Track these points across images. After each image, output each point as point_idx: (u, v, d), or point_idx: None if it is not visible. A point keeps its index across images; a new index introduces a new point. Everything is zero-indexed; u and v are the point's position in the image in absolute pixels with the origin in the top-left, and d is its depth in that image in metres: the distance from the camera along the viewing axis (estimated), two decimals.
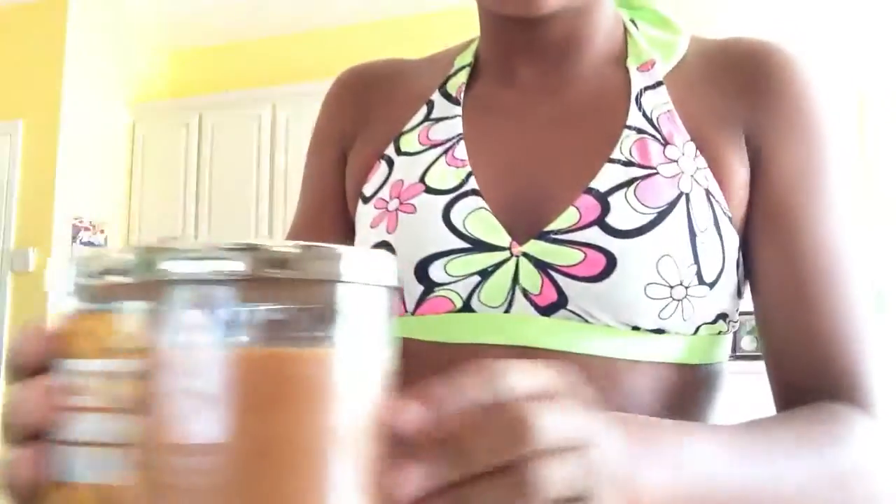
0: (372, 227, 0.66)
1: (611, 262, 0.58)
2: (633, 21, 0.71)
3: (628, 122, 0.63)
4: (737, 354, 2.57)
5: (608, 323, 0.59)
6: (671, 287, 0.58)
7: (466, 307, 0.61)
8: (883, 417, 0.58)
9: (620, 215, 0.59)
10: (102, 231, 4.44)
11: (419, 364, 0.59)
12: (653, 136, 0.62)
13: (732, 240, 0.61)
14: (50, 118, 4.22)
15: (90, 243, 4.35)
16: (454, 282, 0.61)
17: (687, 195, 0.60)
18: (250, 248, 0.26)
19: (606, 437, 0.35)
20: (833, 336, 0.59)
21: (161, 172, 4.59)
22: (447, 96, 0.71)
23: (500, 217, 0.62)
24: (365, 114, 0.74)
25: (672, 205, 0.59)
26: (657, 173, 0.60)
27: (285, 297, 0.28)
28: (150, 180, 4.61)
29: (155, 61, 4.91)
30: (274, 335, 0.27)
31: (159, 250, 0.26)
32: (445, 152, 0.66)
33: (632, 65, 0.67)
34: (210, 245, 0.26)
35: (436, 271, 0.61)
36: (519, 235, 0.61)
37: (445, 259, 0.61)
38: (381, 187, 0.67)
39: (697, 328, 0.61)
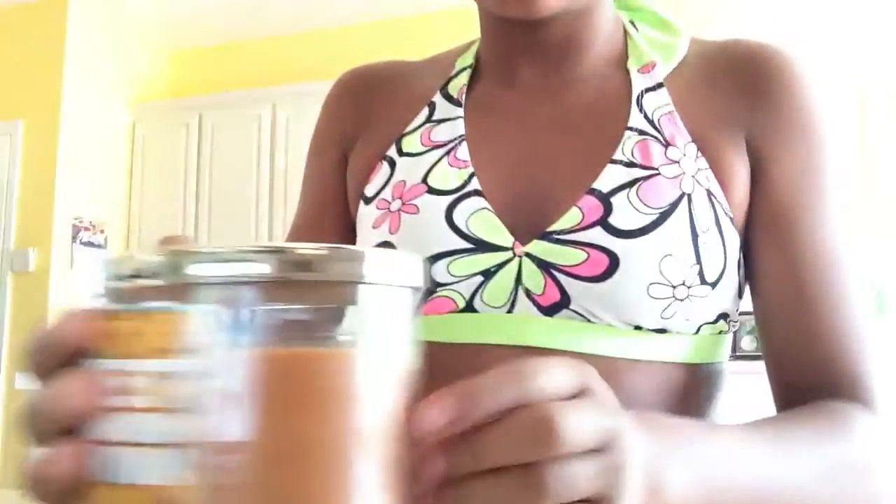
0: (374, 227, 0.66)
1: (613, 262, 0.58)
2: (632, 23, 0.71)
3: (630, 124, 0.63)
4: (737, 354, 2.57)
5: (611, 323, 0.59)
6: (673, 287, 0.58)
7: (469, 307, 0.61)
8: (883, 415, 0.58)
9: (623, 216, 0.59)
10: (102, 231, 4.44)
11: (422, 364, 0.59)
12: (654, 137, 0.62)
13: (734, 240, 0.62)
14: (50, 118, 4.22)
15: (90, 243, 4.35)
16: (457, 282, 0.61)
17: (689, 195, 0.60)
18: (277, 251, 0.27)
19: (630, 437, 0.35)
20: (833, 336, 0.59)
21: (161, 172, 4.59)
22: (448, 98, 0.71)
23: (502, 217, 0.62)
24: (366, 115, 0.74)
25: (674, 205, 0.59)
26: (659, 174, 0.61)
27: (311, 298, 0.28)
28: (150, 180, 4.61)
29: (155, 61, 4.91)
30: (300, 336, 0.28)
31: (187, 253, 0.27)
32: (447, 153, 0.66)
33: (632, 66, 0.67)
34: (237, 248, 0.27)
35: (439, 271, 0.62)
36: (521, 236, 0.61)
37: (448, 259, 0.62)
38: (383, 188, 0.68)
39: (699, 328, 0.61)
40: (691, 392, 0.63)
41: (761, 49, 0.65)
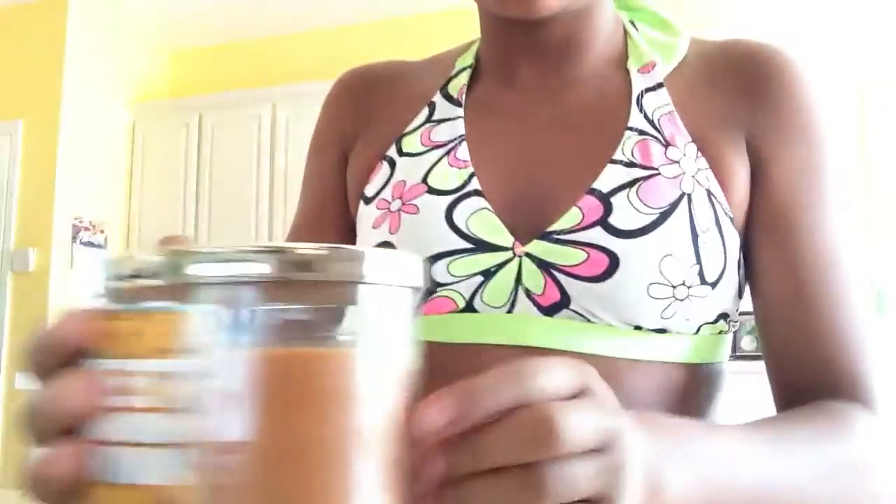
0: (374, 227, 0.66)
1: (613, 262, 0.58)
2: (632, 23, 0.71)
3: (630, 124, 0.63)
4: (737, 354, 2.57)
5: (611, 323, 0.59)
6: (673, 287, 0.58)
7: (469, 307, 0.61)
8: (883, 415, 0.58)
9: (623, 215, 0.59)
10: (102, 231, 4.44)
11: (422, 364, 0.59)
12: (654, 137, 0.63)
13: (734, 240, 0.62)
14: (50, 118, 4.22)
15: (90, 243, 4.35)
16: (457, 282, 0.61)
17: (689, 195, 0.60)
18: (277, 251, 0.27)
19: (630, 437, 0.35)
20: (833, 335, 0.59)
21: (161, 172, 4.59)
22: (449, 98, 0.71)
23: (502, 217, 0.62)
24: (366, 115, 0.74)
25: (674, 205, 0.60)
26: (659, 174, 0.61)
27: (311, 298, 0.28)
28: (150, 180, 4.61)
29: (155, 61, 4.91)
30: (300, 336, 0.28)
31: (187, 253, 0.27)
32: (447, 153, 0.66)
33: (632, 66, 0.67)
34: (237, 248, 0.27)
35: (439, 271, 0.62)
36: (521, 236, 0.61)
37: (448, 259, 0.62)
38: (383, 188, 0.68)
39: (699, 328, 0.61)
40: (691, 392, 0.63)
41: (761, 49, 0.65)
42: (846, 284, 0.61)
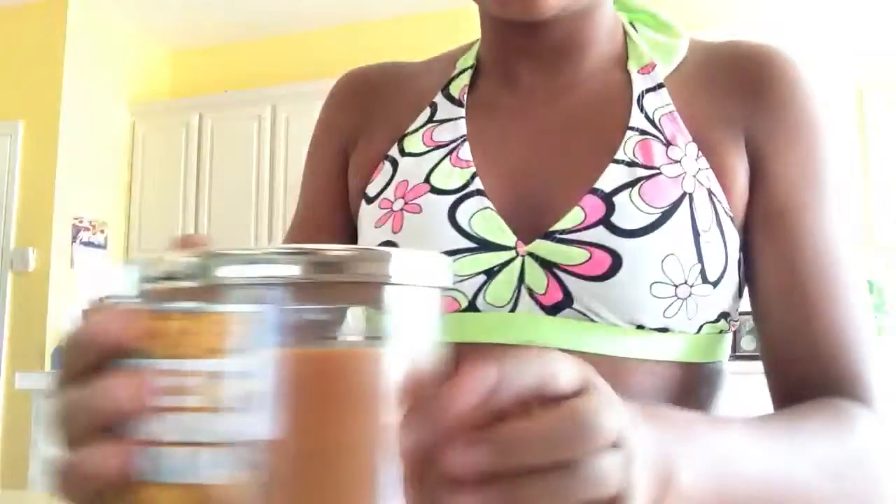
0: (377, 226, 0.66)
1: (616, 262, 0.58)
2: (632, 24, 0.71)
3: (631, 124, 0.64)
4: (737, 354, 2.57)
5: (613, 322, 0.59)
6: (676, 286, 0.59)
7: (472, 307, 0.62)
8: (881, 413, 0.58)
9: (625, 215, 0.59)
10: (102, 231, 4.44)
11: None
12: (655, 136, 0.63)
13: (734, 239, 0.62)
14: (50, 118, 4.22)
15: (90, 243, 4.35)
16: (460, 281, 0.61)
17: (690, 195, 0.60)
18: (307, 252, 0.27)
19: (638, 431, 0.35)
20: (831, 334, 0.60)
21: (161, 172, 4.59)
22: (450, 98, 0.71)
23: (505, 217, 0.62)
24: (367, 115, 0.74)
25: (676, 205, 0.60)
26: (660, 173, 0.61)
27: (341, 298, 0.29)
28: (150, 180, 4.61)
29: (155, 61, 4.91)
30: (331, 336, 0.29)
31: (221, 256, 0.27)
32: (450, 153, 0.67)
33: (632, 67, 0.67)
34: (268, 250, 0.27)
35: None
36: (524, 235, 0.61)
37: (451, 259, 0.62)
38: (385, 187, 0.68)
39: (700, 327, 0.61)
40: (692, 391, 0.63)
41: (760, 50, 0.66)
42: (845, 283, 0.61)
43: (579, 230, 0.60)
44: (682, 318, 0.60)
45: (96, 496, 0.29)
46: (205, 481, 0.26)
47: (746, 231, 0.63)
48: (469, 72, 0.72)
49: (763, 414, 0.53)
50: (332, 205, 0.74)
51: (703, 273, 0.60)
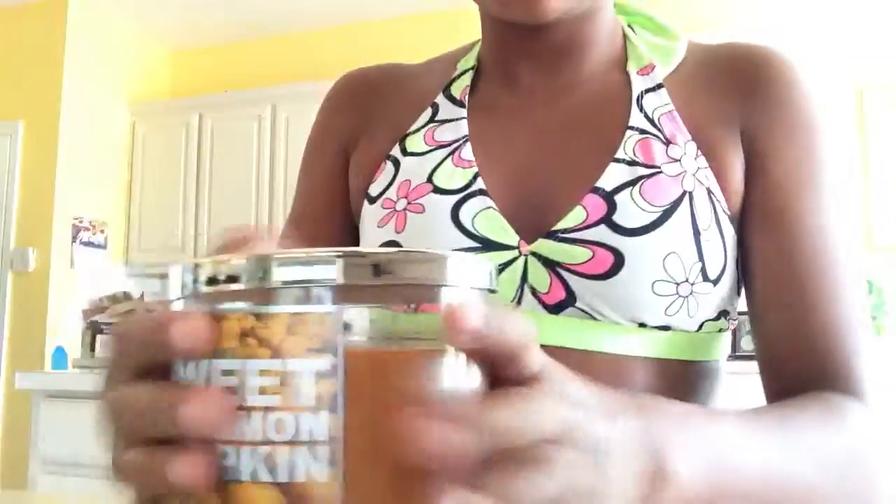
0: (379, 226, 0.66)
1: (619, 260, 0.59)
2: (630, 27, 0.72)
3: (630, 123, 0.64)
4: (736, 354, 2.57)
5: (615, 320, 0.60)
6: (677, 284, 0.59)
7: None
8: (874, 407, 0.59)
9: (627, 214, 0.60)
10: (102, 231, 4.45)
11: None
12: (655, 136, 0.63)
13: (732, 237, 0.63)
14: (50, 118, 4.22)
15: (90, 243, 4.35)
16: None
17: (690, 193, 0.61)
18: (357, 255, 0.28)
19: (598, 425, 0.33)
20: (826, 328, 0.60)
21: (161, 172, 4.59)
22: (451, 99, 0.71)
23: (507, 217, 0.63)
24: (367, 115, 0.75)
25: (676, 203, 0.60)
26: (661, 172, 0.61)
27: (398, 299, 0.30)
28: (150, 180, 4.62)
29: (155, 61, 4.92)
30: (387, 337, 0.29)
31: (276, 258, 0.28)
32: (452, 153, 0.67)
33: (632, 69, 0.68)
34: (321, 252, 0.28)
35: None
36: (527, 235, 0.62)
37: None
38: (387, 187, 0.68)
39: (701, 325, 0.62)
40: (692, 389, 0.64)
41: (757, 50, 0.67)
42: (842, 281, 0.61)
43: (581, 229, 0.60)
44: (683, 316, 0.60)
45: (171, 498, 0.28)
46: (290, 480, 0.27)
47: (743, 229, 0.64)
48: (470, 73, 0.73)
49: (758, 407, 0.53)
50: (331, 202, 0.75)
51: (703, 271, 0.60)
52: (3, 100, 4.34)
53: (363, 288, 0.28)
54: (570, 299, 0.60)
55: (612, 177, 0.62)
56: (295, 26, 4.65)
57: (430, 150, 0.68)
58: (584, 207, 0.61)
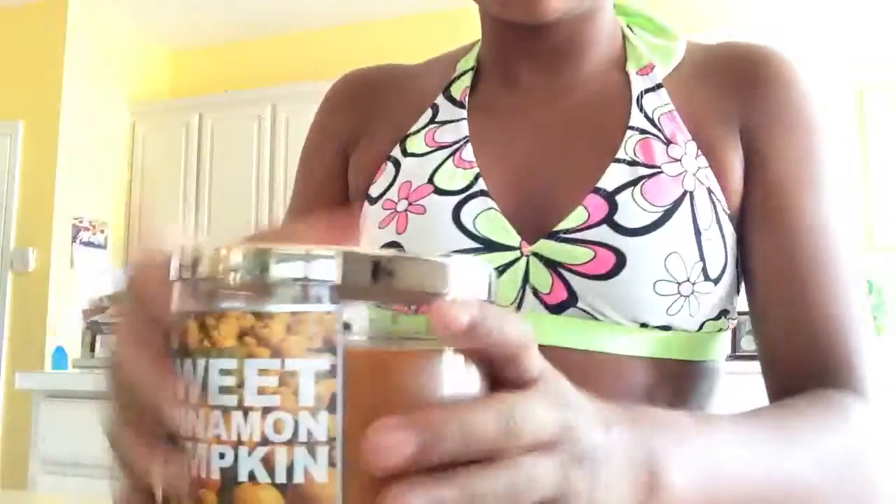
0: (381, 227, 0.66)
1: (620, 260, 0.59)
2: (629, 27, 0.72)
3: (631, 123, 0.64)
4: (736, 354, 2.57)
5: (617, 320, 0.60)
6: (679, 284, 0.59)
7: None
8: (875, 404, 0.58)
9: (628, 214, 0.60)
10: (102, 231, 4.45)
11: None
12: (655, 135, 0.64)
13: (732, 236, 0.63)
14: (50, 118, 4.22)
15: (90, 243, 4.35)
16: None
17: (691, 193, 0.61)
18: (357, 254, 0.28)
19: (593, 430, 0.32)
20: (827, 324, 0.60)
21: (161, 172, 4.59)
22: (451, 100, 0.71)
23: (509, 218, 0.63)
24: (367, 116, 0.74)
25: (677, 203, 0.60)
26: (661, 172, 0.62)
27: (399, 300, 0.29)
28: (150, 180, 4.61)
29: (155, 61, 4.92)
30: (386, 337, 0.29)
31: (275, 254, 0.28)
32: (453, 154, 0.67)
33: (631, 69, 0.68)
34: (321, 249, 0.28)
35: None
36: (528, 235, 0.62)
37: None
38: (388, 188, 0.68)
39: (702, 325, 0.62)
40: (692, 389, 0.64)
41: (757, 50, 0.67)
42: (841, 276, 0.61)
43: (583, 229, 0.60)
44: (684, 315, 0.60)
45: (174, 498, 0.28)
46: (282, 481, 0.27)
47: (743, 228, 0.64)
48: (470, 73, 0.73)
49: (757, 409, 0.53)
50: (330, 203, 0.75)
51: (704, 270, 0.60)
52: (3, 100, 4.34)
53: (362, 288, 0.28)
54: (571, 300, 0.60)
55: (612, 177, 0.62)
56: (295, 26, 4.65)
57: (431, 151, 0.68)
58: (586, 208, 0.61)
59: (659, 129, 0.64)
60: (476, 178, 0.65)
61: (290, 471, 0.27)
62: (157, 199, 4.58)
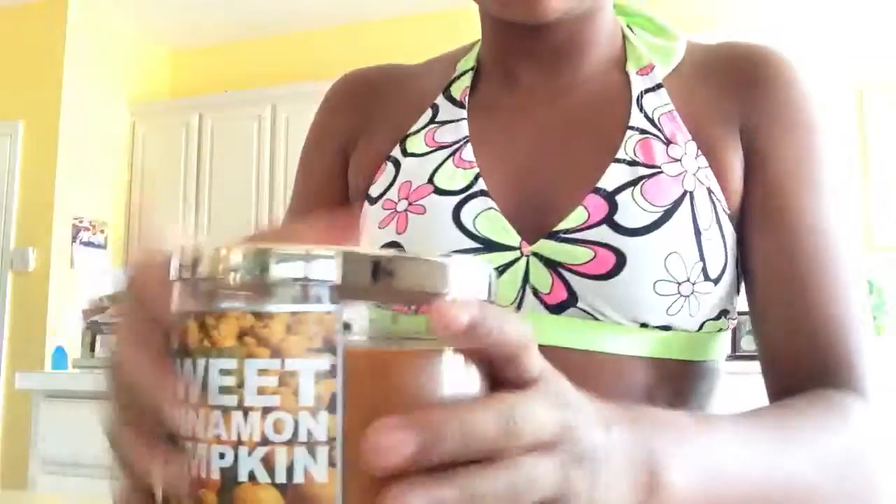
0: (380, 227, 0.66)
1: (620, 260, 0.59)
2: (629, 27, 0.72)
3: (630, 123, 0.64)
4: (736, 354, 2.57)
5: (617, 320, 0.60)
6: (679, 283, 0.59)
7: None
8: (875, 403, 0.58)
9: (628, 214, 0.60)
10: (102, 231, 4.45)
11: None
12: (655, 135, 0.64)
13: (732, 236, 0.63)
14: (50, 118, 4.22)
15: (90, 243, 4.35)
16: None
17: (691, 193, 0.61)
18: (357, 254, 0.28)
19: (593, 430, 0.32)
20: (828, 324, 0.60)
21: (161, 172, 4.59)
22: (451, 100, 0.71)
23: (509, 218, 0.63)
24: (366, 116, 0.74)
25: (677, 203, 0.60)
26: (661, 172, 0.62)
27: (398, 300, 0.29)
28: (150, 180, 4.61)
29: (155, 61, 4.92)
30: (387, 337, 0.29)
31: (275, 254, 0.27)
32: (453, 154, 0.67)
33: (631, 69, 0.68)
34: (320, 249, 0.28)
35: None
36: (528, 235, 0.62)
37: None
38: (388, 188, 0.68)
39: (702, 325, 0.62)
40: (692, 389, 0.64)
41: (756, 49, 0.67)
42: (841, 275, 0.61)
43: (583, 229, 0.60)
44: (684, 315, 0.60)
45: (174, 498, 0.28)
46: (282, 481, 0.27)
47: (743, 228, 0.64)
48: (469, 73, 0.73)
49: (757, 409, 0.53)
50: (330, 202, 0.75)
51: (704, 270, 0.60)
52: (3, 100, 4.34)
53: (362, 288, 0.28)
54: (571, 300, 0.60)
55: (612, 177, 0.62)
56: (295, 26, 4.65)
57: (431, 152, 0.68)
58: (586, 208, 0.61)
59: (659, 129, 0.64)
60: (476, 178, 0.65)
61: (290, 471, 0.27)
62: (157, 199, 4.58)
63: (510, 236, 0.62)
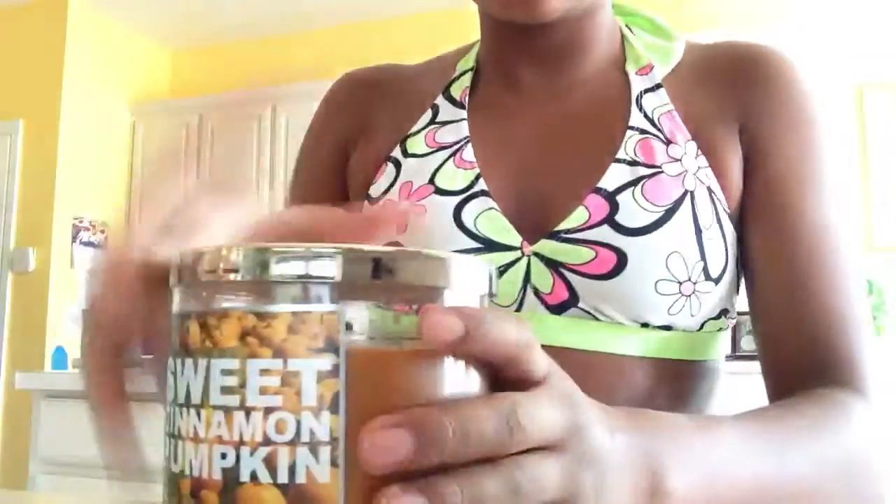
0: None
1: (622, 260, 0.59)
2: (628, 28, 0.72)
3: (631, 123, 0.65)
4: (736, 354, 2.57)
5: (618, 320, 0.60)
6: (680, 283, 0.59)
7: None
8: (876, 402, 0.58)
9: (629, 213, 0.60)
10: (102, 231, 4.45)
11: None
12: (655, 135, 0.64)
13: (732, 235, 0.63)
14: (50, 118, 4.22)
15: (90, 243, 4.35)
16: None
17: (691, 193, 0.61)
18: (358, 251, 0.28)
19: (597, 432, 0.32)
20: (828, 322, 0.60)
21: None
22: (451, 100, 0.71)
23: (509, 218, 0.63)
24: (366, 117, 0.74)
25: (678, 203, 0.61)
26: (662, 172, 0.62)
27: (397, 298, 0.29)
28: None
29: (155, 61, 4.92)
30: (388, 336, 0.29)
31: (276, 252, 0.27)
32: (453, 154, 0.67)
33: (630, 69, 0.68)
34: (320, 247, 0.27)
35: None
36: (529, 235, 0.62)
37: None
38: (389, 188, 0.68)
39: (702, 324, 0.62)
40: (692, 389, 0.64)
41: (756, 49, 0.67)
42: (842, 274, 0.61)
43: (584, 229, 0.60)
44: (685, 315, 0.60)
45: (170, 499, 0.28)
46: (284, 481, 0.26)
47: (743, 226, 0.64)
48: (469, 74, 0.73)
49: (757, 409, 0.52)
50: (327, 202, 0.74)
51: (705, 270, 0.60)
52: (3, 100, 4.34)
53: (363, 285, 0.28)
54: (572, 300, 0.60)
55: (613, 177, 0.62)
56: (295, 26, 4.64)
57: (432, 152, 0.68)
58: (587, 208, 0.61)
59: (659, 129, 0.64)
60: (477, 178, 0.65)
61: (292, 471, 0.26)
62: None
63: (511, 236, 0.62)
